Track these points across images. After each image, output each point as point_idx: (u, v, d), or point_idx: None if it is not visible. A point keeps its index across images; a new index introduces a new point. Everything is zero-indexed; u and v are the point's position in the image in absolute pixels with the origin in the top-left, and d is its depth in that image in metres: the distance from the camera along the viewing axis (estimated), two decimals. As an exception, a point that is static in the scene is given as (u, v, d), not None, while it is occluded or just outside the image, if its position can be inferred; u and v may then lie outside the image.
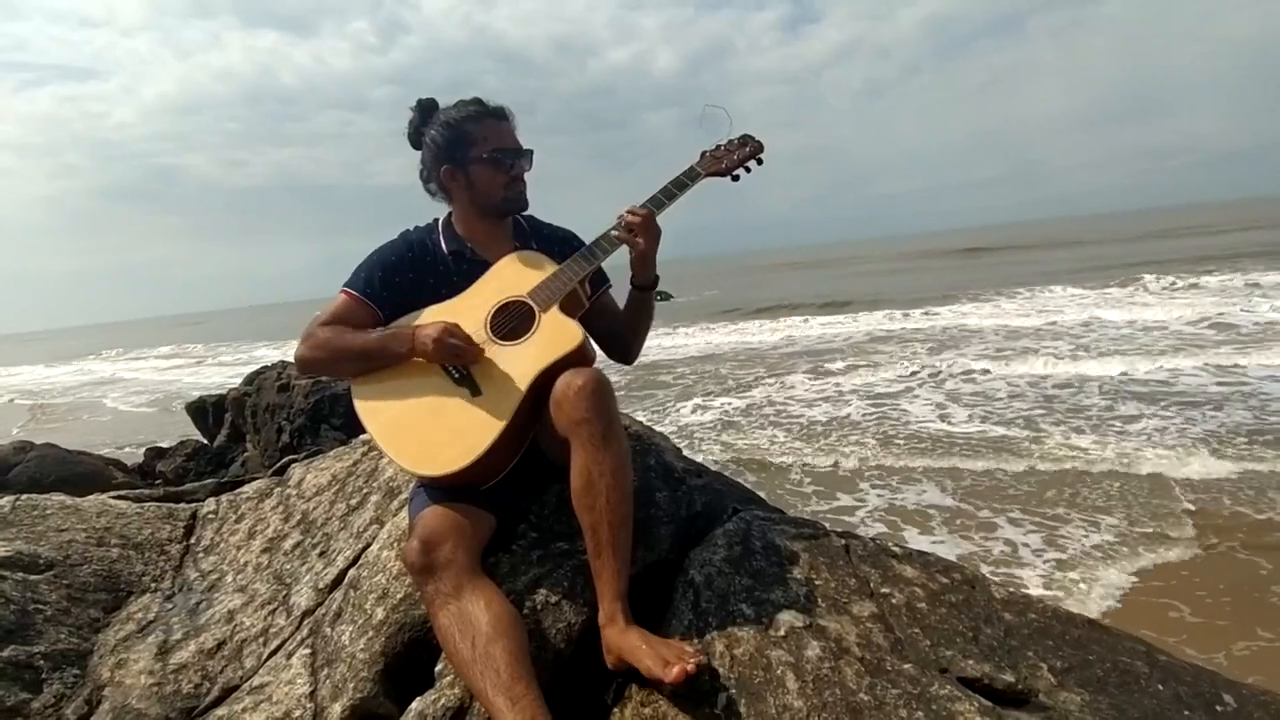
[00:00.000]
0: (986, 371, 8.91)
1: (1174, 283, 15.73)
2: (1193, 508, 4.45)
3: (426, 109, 1.76)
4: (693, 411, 8.59)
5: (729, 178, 1.83)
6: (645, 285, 1.74)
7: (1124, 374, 8.02)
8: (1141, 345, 9.78)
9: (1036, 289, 17.23)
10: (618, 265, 1.80)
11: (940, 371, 9.13)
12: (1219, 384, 7.27)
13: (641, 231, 1.65)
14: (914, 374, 9.25)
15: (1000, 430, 6.43)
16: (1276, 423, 5.88)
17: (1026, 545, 4.18)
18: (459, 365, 1.58)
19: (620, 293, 1.84)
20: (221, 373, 19.72)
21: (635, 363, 1.88)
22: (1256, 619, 3.24)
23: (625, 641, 1.34)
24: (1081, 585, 3.66)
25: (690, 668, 1.25)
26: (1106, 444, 5.71)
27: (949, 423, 6.80)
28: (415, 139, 1.78)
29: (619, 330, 1.83)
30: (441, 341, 1.54)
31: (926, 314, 15.15)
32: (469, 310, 1.66)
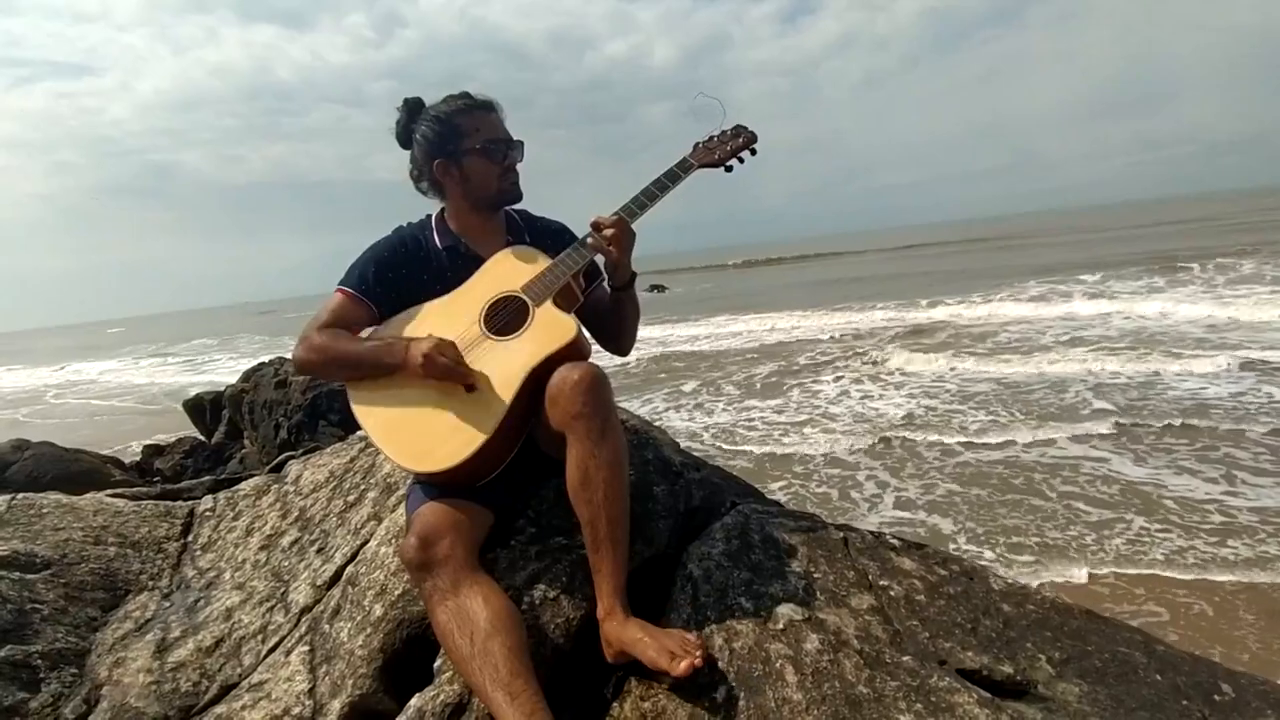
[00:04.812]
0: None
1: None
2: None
3: (413, 107, 1.75)
4: (689, 406, 8.59)
5: (722, 168, 1.82)
6: (621, 286, 1.74)
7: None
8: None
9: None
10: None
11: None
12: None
13: (614, 239, 1.64)
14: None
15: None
16: None
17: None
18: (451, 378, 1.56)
19: None
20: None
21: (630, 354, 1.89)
22: None
23: (626, 634, 1.35)
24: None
25: (698, 662, 1.26)
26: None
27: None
28: (404, 137, 1.77)
29: (610, 324, 1.83)
30: (431, 359, 1.51)
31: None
32: (463, 306, 1.65)
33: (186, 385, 15.36)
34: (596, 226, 1.66)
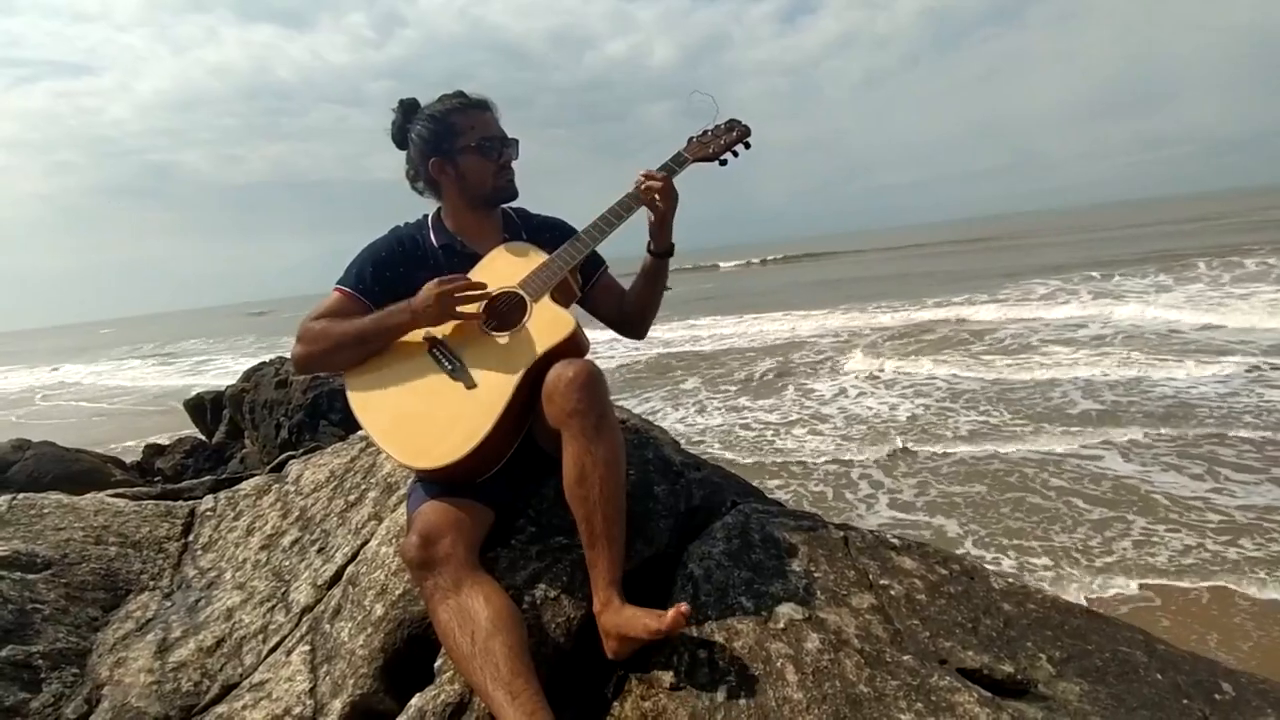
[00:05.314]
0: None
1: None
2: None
3: (409, 108, 1.77)
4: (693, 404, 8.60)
5: (716, 162, 1.82)
6: (663, 252, 1.74)
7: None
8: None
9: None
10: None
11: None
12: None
13: (661, 194, 1.65)
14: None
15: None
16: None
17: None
18: (451, 352, 1.57)
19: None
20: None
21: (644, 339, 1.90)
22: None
23: (621, 618, 1.35)
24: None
25: (684, 609, 1.28)
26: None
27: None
28: (400, 137, 1.78)
29: (627, 308, 1.84)
30: (444, 295, 1.54)
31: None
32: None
33: (181, 387, 15.36)
34: (647, 176, 1.66)
